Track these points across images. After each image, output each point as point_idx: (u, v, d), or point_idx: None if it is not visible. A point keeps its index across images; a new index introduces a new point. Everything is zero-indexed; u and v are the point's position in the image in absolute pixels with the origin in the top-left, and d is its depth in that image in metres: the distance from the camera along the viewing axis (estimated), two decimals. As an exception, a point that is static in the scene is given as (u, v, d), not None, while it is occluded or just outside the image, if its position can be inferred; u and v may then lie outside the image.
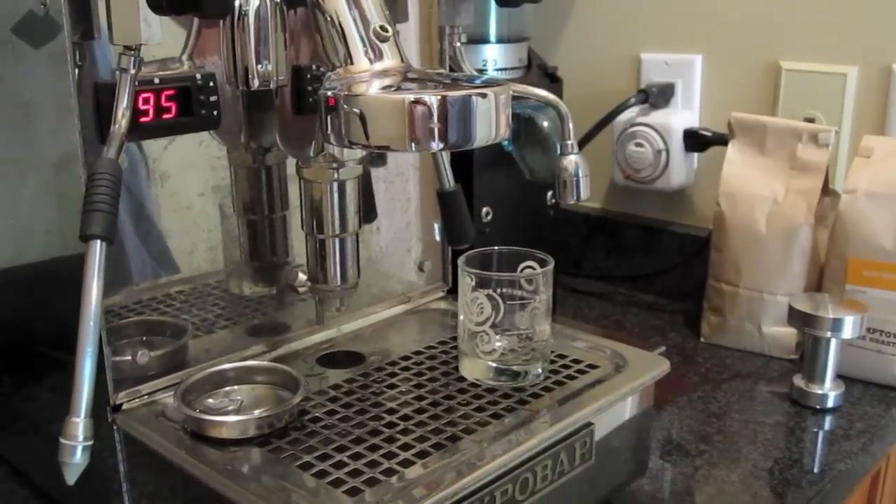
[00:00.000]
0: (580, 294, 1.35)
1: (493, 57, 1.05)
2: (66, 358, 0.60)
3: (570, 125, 0.79)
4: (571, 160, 0.79)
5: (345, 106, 0.57)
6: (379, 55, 0.63)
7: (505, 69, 1.06)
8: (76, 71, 0.63)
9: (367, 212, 0.83)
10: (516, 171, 1.06)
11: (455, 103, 0.56)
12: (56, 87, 0.64)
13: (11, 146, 0.73)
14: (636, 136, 1.28)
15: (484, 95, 0.57)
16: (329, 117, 0.59)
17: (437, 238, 0.94)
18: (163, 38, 0.59)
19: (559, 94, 1.11)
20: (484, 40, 1.07)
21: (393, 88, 0.59)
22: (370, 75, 0.62)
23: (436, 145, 0.57)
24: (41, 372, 0.79)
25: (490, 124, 0.58)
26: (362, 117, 0.57)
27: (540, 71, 1.12)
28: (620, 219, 1.39)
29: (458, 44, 0.78)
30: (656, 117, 1.28)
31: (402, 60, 0.63)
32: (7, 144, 0.73)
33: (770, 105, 1.22)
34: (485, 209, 1.06)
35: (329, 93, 0.59)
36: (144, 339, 0.74)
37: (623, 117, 1.29)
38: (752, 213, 1.11)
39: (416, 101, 0.56)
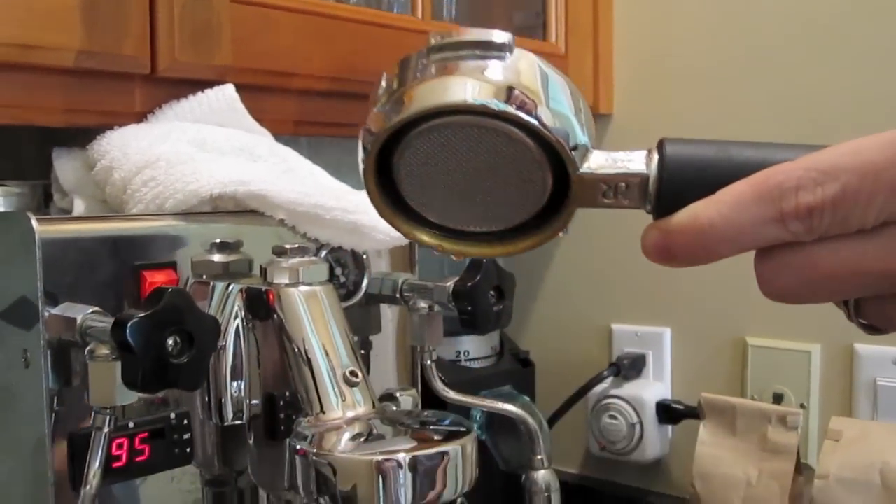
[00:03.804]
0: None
1: (466, 348, 1.08)
2: None
3: (541, 439, 0.80)
4: (541, 475, 0.80)
5: (314, 460, 0.59)
6: (349, 401, 0.64)
7: (478, 358, 1.08)
8: (52, 418, 0.64)
9: None
10: (489, 456, 1.06)
11: (422, 463, 0.58)
12: (33, 382, 0.65)
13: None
14: (609, 408, 1.30)
15: (451, 450, 0.59)
16: (298, 468, 0.60)
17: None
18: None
19: (531, 379, 1.13)
20: (457, 331, 1.10)
21: (363, 439, 0.61)
22: (340, 422, 0.63)
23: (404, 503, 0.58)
24: None
25: (457, 479, 0.59)
26: (332, 473, 0.58)
27: (512, 357, 1.14)
28: (598, 487, 1.38)
29: (429, 362, 0.80)
30: (629, 389, 1.29)
31: (373, 405, 0.65)
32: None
33: (739, 379, 1.24)
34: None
35: (298, 445, 0.60)
36: None
37: (596, 389, 1.30)
38: (726, 496, 1.11)
39: (385, 462, 0.57)
